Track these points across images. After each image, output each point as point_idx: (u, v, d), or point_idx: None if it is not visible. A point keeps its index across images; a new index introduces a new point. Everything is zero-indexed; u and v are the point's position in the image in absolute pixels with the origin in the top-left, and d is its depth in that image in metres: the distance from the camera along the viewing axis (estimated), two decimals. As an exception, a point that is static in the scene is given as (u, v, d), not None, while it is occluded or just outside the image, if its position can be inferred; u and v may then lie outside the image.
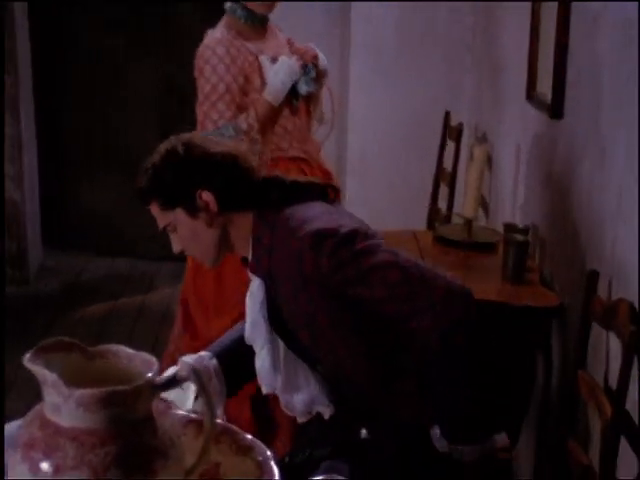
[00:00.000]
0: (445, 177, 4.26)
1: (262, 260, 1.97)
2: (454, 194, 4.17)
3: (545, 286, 2.96)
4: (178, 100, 5.39)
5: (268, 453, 1.43)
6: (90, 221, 5.84)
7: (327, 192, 2.04)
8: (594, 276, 2.35)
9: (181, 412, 1.49)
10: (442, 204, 4.27)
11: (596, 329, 2.34)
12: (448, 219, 4.01)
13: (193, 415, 1.47)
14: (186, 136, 2.02)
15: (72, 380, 1.26)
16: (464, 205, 3.34)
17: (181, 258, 3.09)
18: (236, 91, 3.04)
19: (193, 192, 1.95)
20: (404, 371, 1.91)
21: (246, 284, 3.02)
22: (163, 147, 1.99)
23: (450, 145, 4.30)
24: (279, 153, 3.13)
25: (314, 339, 1.92)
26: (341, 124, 4.79)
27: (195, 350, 3.12)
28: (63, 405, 1.25)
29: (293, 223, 1.88)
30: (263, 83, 3.10)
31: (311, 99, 3.22)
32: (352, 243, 1.83)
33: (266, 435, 3.07)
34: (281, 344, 2.02)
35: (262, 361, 2.02)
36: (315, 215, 1.90)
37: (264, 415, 3.11)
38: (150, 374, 1.30)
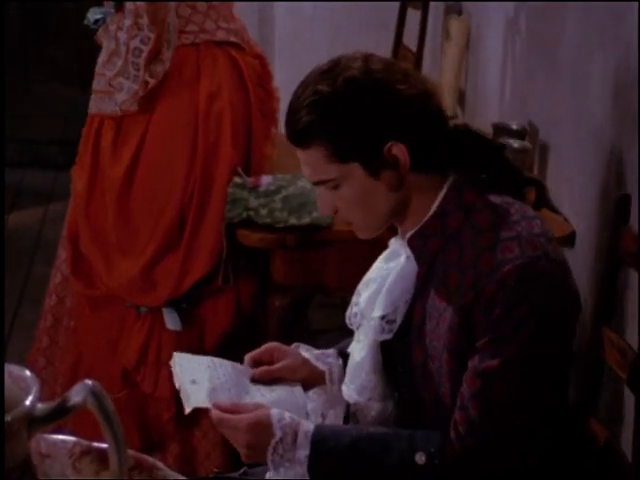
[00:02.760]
0: (407, 60, 4.20)
1: (432, 242, 1.92)
2: (420, 82, 4.15)
3: (549, 209, 2.93)
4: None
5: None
6: None
7: (525, 193, 1.98)
8: (625, 201, 2.29)
9: (71, 439, 1.39)
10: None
11: (624, 272, 2.34)
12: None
13: (95, 444, 1.38)
14: (364, 62, 1.86)
15: None
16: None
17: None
18: None
19: (381, 144, 1.85)
20: None
21: (159, 211, 2.90)
22: (337, 74, 1.84)
23: (413, 16, 4.27)
24: (204, 36, 3.00)
25: (425, 366, 1.91)
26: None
27: (92, 302, 3.03)
28: None
29: (501, 230, 1.84)
30: None
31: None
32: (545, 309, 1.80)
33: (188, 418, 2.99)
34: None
35: (362, 355, 1.98)
36: (530, 232, 1.84)
37: None
38: (28, 401, 1.16)
